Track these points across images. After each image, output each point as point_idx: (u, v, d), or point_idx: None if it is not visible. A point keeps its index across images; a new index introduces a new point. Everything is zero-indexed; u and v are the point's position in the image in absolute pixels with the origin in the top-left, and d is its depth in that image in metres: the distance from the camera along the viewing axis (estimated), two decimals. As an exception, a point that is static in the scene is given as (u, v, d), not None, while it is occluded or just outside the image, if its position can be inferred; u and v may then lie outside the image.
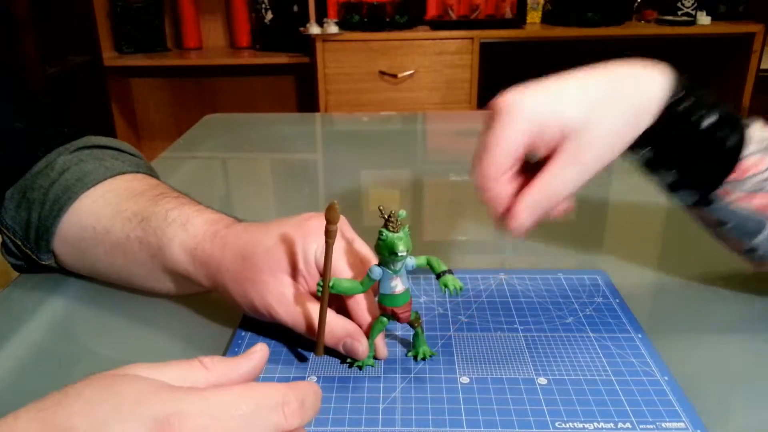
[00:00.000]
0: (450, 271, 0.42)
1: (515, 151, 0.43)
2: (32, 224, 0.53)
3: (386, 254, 0.40)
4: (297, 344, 0.46)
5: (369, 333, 0.44)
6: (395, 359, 0.45)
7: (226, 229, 0.48)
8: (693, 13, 2.26)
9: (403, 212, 0.40)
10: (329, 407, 0.40)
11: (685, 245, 0.65)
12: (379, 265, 0.42)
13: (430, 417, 0.39)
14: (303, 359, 0.45)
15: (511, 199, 0.44)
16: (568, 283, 0.55)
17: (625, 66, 0.46)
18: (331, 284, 0.41)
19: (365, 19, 2.21)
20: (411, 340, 0.45)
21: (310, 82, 2.30)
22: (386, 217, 0.40)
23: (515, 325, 0.49)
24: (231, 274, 0.46)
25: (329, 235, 0.40)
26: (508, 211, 0.44)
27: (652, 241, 0.68)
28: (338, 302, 0.45)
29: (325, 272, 0.41)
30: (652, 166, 0.47)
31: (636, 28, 2.28)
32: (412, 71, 2.20)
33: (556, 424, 0.38)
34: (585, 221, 0.75)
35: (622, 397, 0.40)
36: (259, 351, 0.33)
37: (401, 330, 0.48)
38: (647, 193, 0.82)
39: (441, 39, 2.18)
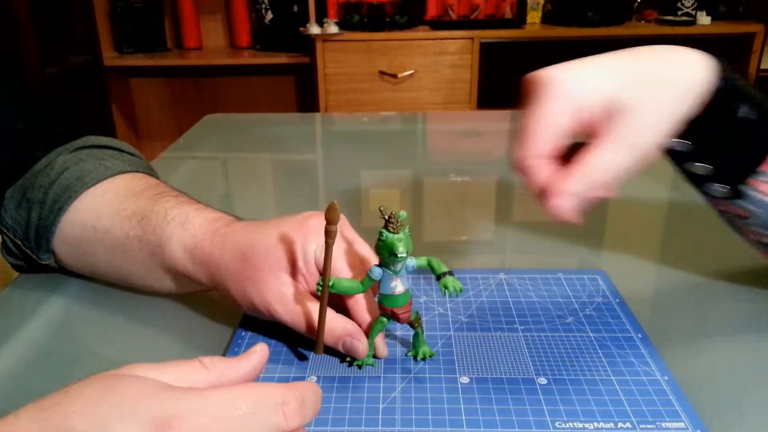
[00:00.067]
0: (450, 273, 0.42)
1: (558, 131, 0.41)
2: (32, 224, 0.53)
3: (386, 255, 0.40)
4: (297, 344, 0.46)
5: (369, 333, 0.44)
6: (395, 359, 0.45)
7: (225, 228, 0.48)
8: (693, 13, 2.26)
9: (403, 213, 0.40)
10: (329, 407, 0.40)
11: (685, 245, 0.65)
12: (380, 265, 0.42)
13: (430, 417, 0.39)
14: (303, 359, 0.45)
15: (553, 180, 0.42)
16: (568, 283, 0.55)
17: (664, 48, 0.44)
18: (331, 284, 0.41)
19: (365, 19, 2.21)
20: (411, 340, 0.45)
21: (310, 82, 2.30)
22: (387, 217, 0.40)
23: (515, 325, 0.49)
24: (230, 273, 0.46)
25: (329, 235, 0.40)
26: (549, 192, 0.42)
27: (652, 241, 0.68)
28: (338, 302, 0.45)
29: (324, 272, 0.41)
30: (685, 157, 0.46)
31: (636, 28, 2.28)
32: (412, 71, 2.20)
33: (556, 424, 0.38)
34: (585, 221, 0.75)
35: (622, 397, 0.40)
36: (259, 351, 0.33)
37: (401, 330, 0.48)
38: (647, 192, 0.82)
39: (441, 39, 2.18)
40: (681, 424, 0.38)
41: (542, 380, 0.42)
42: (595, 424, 0.38)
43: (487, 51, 2.19)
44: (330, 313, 0.43)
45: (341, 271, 0.44)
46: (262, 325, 0.48)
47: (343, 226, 0.47)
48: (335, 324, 0.44)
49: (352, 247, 0.46)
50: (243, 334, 0.48)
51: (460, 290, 0.42)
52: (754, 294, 0.53)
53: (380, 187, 0.89)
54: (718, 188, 0.46)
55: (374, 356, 0.45)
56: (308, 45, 2.26)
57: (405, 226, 0.40)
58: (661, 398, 0.40)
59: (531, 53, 2.35)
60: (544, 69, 0.42)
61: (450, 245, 0.68)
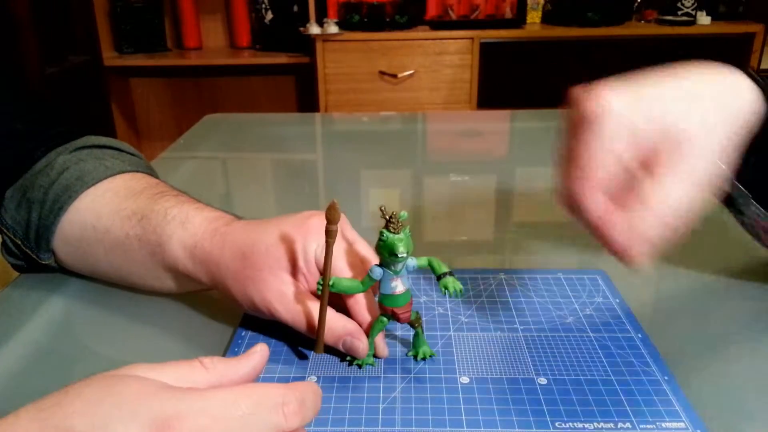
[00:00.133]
0: (451, 273, 0.42)
1: (612, 164, 0.38)
2: (32, 224, 0.53)
3: (387, 255, 0.40)
4: (297, 344, 0.46)
5: (369, 332, 0.44)
6: (395, 359, 0.45)
7: (225, 227, 0.48)
8: (693, 13, 2.26)
9: (404, 213, 0.40)
10: (329, 407, 0.40)
11: (685, 245, 0.65)
12: (380, 265, 0.42)
13: (430, 417, 0.39)
14: (303, 359, 0.45)
15: (610, 216, 0.38)
16: (568, 283, 0.55)
17: (710, 68, 0.42)
18: (331, 283, 0.41)
19: (365, 19, 2.21)
20: (411, 340, 0.45)
21: (310, 82, 2.30)
22: (387, 217, 0.40)
23: (515, 325, 0.49)
24: (231, 272, 0.46)
25: (329, 235, 0.40)
26: (613, 233, 0.38)
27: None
28: (338, 302, 0.45)
29: (325, 271, 0.41)
30: (736, 179, 0.43)
31: (636, 28, 2.28)
32: (412, 71, 2.20)
33: (556, 424, 0.38)
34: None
35: (622, 397, 0.40)
36: (259, 351, 0.33)
37: (401, 330, 0.48)
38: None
39: (441, 39, 2.18)
40: (681, 424, 0.38)
41: (542, 380, 0.42)
42: (595, 424, 0.38)
43: (487, 51, 2.19)
44: (330, 313, 0.43)
45: (341, 270, 0.44)
46: (263, 324, 0.48)
47: (344, 225, 0.47)
48: (335, 323, 0.44)
49: (353, 246, 0.46)
50: (243, 333, 0.48)
51: (461, 291, 0.42)
52: (755, 294, 0.53)
53: (380, 187, 0.89)
54: (757, 209, 0.44)
55: (375, 356, 0.45)
56: (308, 45, 2.26)
57: (405, 227, 0.40)
58: (661, 398, 0.40)
59: (531, 53, 2.35)
60: (594, 90, 0.39)
61: (450, 245, 0.68)
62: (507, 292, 0.54)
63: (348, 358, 0.44)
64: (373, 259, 0.44)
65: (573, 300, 0.52)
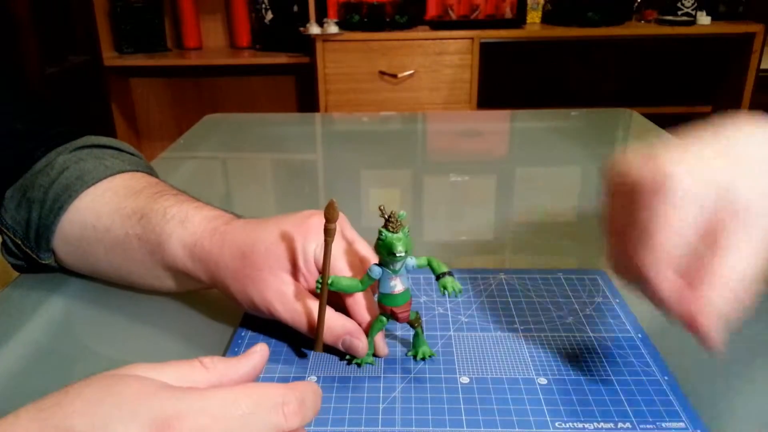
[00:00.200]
0: (450, 273, 0.42)
1: (682, 237, 0.36)
2: (32, 223, 0.53)
3: (385, 254, 0.40)
4: (297, 343, 0.46)
5: (368, 332, 0.44)
6: (395, 359, 0.45)
7: (225, 226, 0.48)
8: (693, 13, 2.26)
9: (403, 213, 0.40)
10: (329, 407, 0.40)
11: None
12: (379, 264, 0.42)
13: (430, 417, 0.39)
14: (303, 359, 0.45)
15: (685, 294, 0.36)
16: (568, 283, 0.55)
17: (756, 126, 0.40)
18: (330, 281, 0.41)
19: (365, 19, 2.21)
20: (411, 340, 0.45)
21: (310, 82, 2.30)
22: (386, 217, 0.40)
23: (515, 325, 0.49)
24: (230, 272, 0.46)
25: (328, 234, 0.40)
26: (689, 313, 0.35)
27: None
28: (338, 301, 0.45)
29: (324, 270, 0.41)
30: None
31: (636, 28, 2.28)
32: (412, 71, 2.20)
33: (556, 424, 0.38)
34: (585, 221, 0.75)
35: (622, 397, 0.40)
36: (259, 351, 0.33)
37: (401, 330, 0.48)
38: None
39: (441, 39, 2.18)
40: (681, 424, 0.38)
41: (542, 380, 0.42)
42: (595, 424, 0.38)
43: (487, 51, 2.19)
44: (330, 312, 0.43)
45: (341, 270, 0.44)
46: (263, 324, 0.48)
47: (344, 225, 0.47)
48: (335, 322, 0.44)
49: (352, 246, 0.46)
50: (243, 333, 0.48)
51: (459, 291, 0.42)
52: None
53: (380, 187, 0.89)
54: None
55: (375, 355, 0.45)
56: (308, 45, 2.26)
57: (404, 226, 0.40)
58: (661, 398, 0.40)
59: (531, 53, 2.36)
60: (652, 157, 0.37)
61: (450, 245, 0.68)
62: (507, 292, 0.54)
63: (347, 356, 0.44)
64: (373, 258, 0.44)
65: (573, 300, 0.52)
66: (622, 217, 0.38)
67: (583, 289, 0.54)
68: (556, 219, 0.76)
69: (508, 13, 2.28)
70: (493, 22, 2.27)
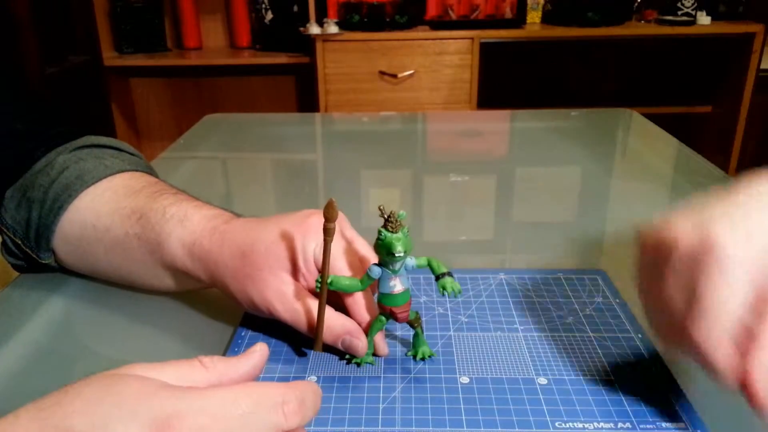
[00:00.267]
0: (449, 274, 0.42)
1: (737, 308, 0.35)
2: (32, 223, 0.53)
3: (384, 254, 0.40)
4: (297, 343, 0.46)
5: (368, 331, 0.44)
6: (395, 359, 0.45)
7: (224, 225, 0.48)
8: (693, 13, 2.26)
9: (403, 213, 0.40)
10: (329, 407, 0.40)
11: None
12: (379, 264, 0.42)
13: (430, 417, 0.39)
14: (303, 359, 0.45)
15: (743, 367, 0.35)
16: (568, 283, 0.55)
17: None
18: (330, 281, 0.41)
19: (365, 19, 2.21)
20: (411, 340, 0.45)
21: (310, 82, 2.30)
22: (386, 217, 0.40)
23: (515, 325, 0.49)
24: (230, 271, 0.46)
25: (327, 233, 0.40)
26: (747, 385, 0.35)
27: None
28: (338, 301, 0.45)
29: (323, 269, 0.41)
30: None
31: (636, 28, 2.28)
32: (412, 71, 2.20)
33: (556, 424, 0.38)
34: (585, 221, 0.75)
35: (622, 397, 0.40)
36: (259, 350, 0.33)
37: (401, 330, 0.48)
38: (647, 193, 0.82)
39: (441, 39, 2.18)
40: (681, 424, 0.38)
41: (542, 380, 0.42)
42: (595, 424, 0.38)
43: (487, 51, 2.19)
44: (329, 311, 0.43)
45: (340, 270, 0.44)
46: (263, 324, 0.48)
47: (343, 225, 0.47)
48: (334, 322, 0.44)
49: (352, 246, 0.46)
50: (243, 333, 0.48)
51: (459, 291, 0.42)
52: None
53: (380, 187, 0.89)
54: None
55: (375, 354, 0.45)
56: (308, 45, 2.26)
57: (404, 226, 0.40)
58: (661, 398, 0.40)
59: (531, 53, 2.36)
60: (700, 223, 0.36)
61: (450, 245, 0.68)
62: (507, 292, 0.54)
63: (347, 356, 0.44)
64: (373, 258, 0.44)
65: (573, 300, 0.52)
66: (664, 282, 0.37)
67: (583, 289, 0.54)
68: (556, 219, 0.76)
69: (508, 13, 2.28)
70: (493, 22, 2.27)
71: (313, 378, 0.43)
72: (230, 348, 0.46)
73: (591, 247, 0.66)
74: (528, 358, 0.45)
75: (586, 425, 0.38)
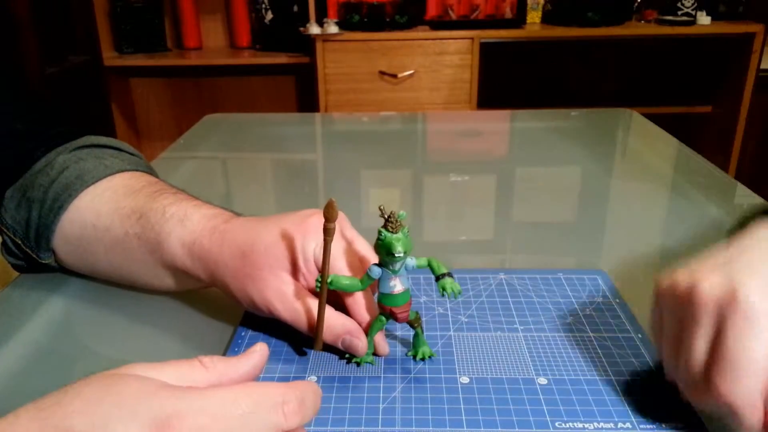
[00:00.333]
0: (450, 274, 0.42)
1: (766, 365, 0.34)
2: (32, 223, 0.53)
3: (384, 255, 0.40)
4: (297, 343, 0.46)
5: (368, 331, 0.44)
6: (395, 359, 0.45)
7: (224, 224, 0.48)
8: (693, 13, 2.26)
9: (403, 213, 0.40)
10: (329, 407, 0.40)
11: (684, 245, 0.65)
12: (379, 264, 0.42)
13: (430, 417, 0.39)
14: (303, 359, 0.45)
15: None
16: (568, 283, 0.55)
17: None
18: (330, 280, 0.41)
19: (365, 19, 2.21)
20: (411, 340, 0.45)
21: (310, 82, 2.30)
22: (386, 217, 0.40)
23: (515, 325, 0.49)
24: (230, 271, 0.46)
25: (327, 233, 0.40)
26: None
27: (652, 241, 0.68)
28: (338, 301, 0.45)
29: (323, 269, 0.41)
30: None
31: (636, 28, 2.28)
32: (412, 71, 2.20)
33: (556, 424, 0.38)
34: (585, 221, 0.75)
35: (622, 397, 0.40)
36: (259, 350, 0.33)
37: (401, 330, 0.48)
38: (647, 193, 0.82)
39: (441, 39, 2.18)
40: (681, 424, 0.38)
41: (542, 380, 0.42)
42: (595, 424, 0.38)
43: (487, 51, 2.19)
44: (330, 311, 0.43)
45: (340, 270, 0.44)
46: (263, 323, 0.48)
47: (343, 225, 0.47)
48: (335, 321, 0.44)
49: (352, 246, 0.46)
50: (243, 333, 0.48)
51: (459, 292, 0.42)
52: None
53: (380, 187, 0.89)
54: None
55: (375, 354, 0.45)
56: (308, 45, 2.26)
57: (404, 226, 0.40)
58: (661, 398, 0.40)
59: (531, 53, 2.36)
60: (724, 281, 0.36)
61: (450, 245, 0.68)
62: (507, 292, 0.54)
63: (347, 355, 0.44)
64: (373, 258, 0.44)
65: (573, 300, 0.52)
66: (686, 333, 0.37)
67: (583, 289, 0.54)
68: (556, 219, 0.76)
69: (508, 13, 2.28)
70: (493, 22, 2.27)
71: (313, 378, 0.43)
72: (230, 348, 0.46)
73: (591, 247, 0.66)
74: (528, 358, 0.45)
75: (586, 425, 0.38)
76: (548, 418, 0.39)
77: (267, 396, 0.29)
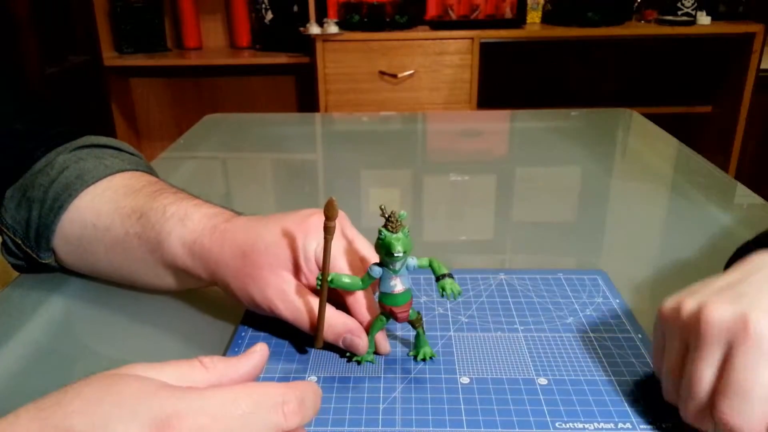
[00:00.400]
0: (450, 275, 0.42)
1: None
2: (32, 223, 0.53)
3: (384, 254, 0.40)
4: (298, 342, 0.46)
5: (369, 330, 0.44)
6: (395, 359, 0.45)
7: (225, 224, 0.48)
8: (693, 13, 2.26)
9: (403, 213, 0.40)
10: (329, 407, 0.40)
11: (684, 245, 0.65)
12: (380, 264, 0.42)
13: (430, 417, 0.39)
14: (304, 358, 0.45)
15: None
16: (568, 283, 0.55)
17: None
18: (330, 279, 0.41)
19: (365, 19, 2.21)
20: (412, 340, 0.45)
21: (310, 82, 2.30)
22: (386, 217, 0.40)
23: (515, 325, 0.49)
24: (231, 270, 0.46)
25: (327, 231, 0.40)
26: None
27: (652, 241, 0.68)
28: (339, 300, 0.45)
29: (324, 268, 0.41)
30: None
31: (636, 28, 2.28)
32: (412, 71, 2.20)
33: (556, 424, 0.38)
34: (585, 221, 0.75)
35: (622, 397, 0.40)
36: (259, 351, 0.33)
37: (402, 330, 0.48)
38: (647, 193, 0.82)
39: (441, 39, 2.18)
40: (681, 425, 0.38)
41: (542, 380, 0.42)
42: (595, 424, 0.38)
43: (487, 51, 2.19)
44: (330, 310, 0.43)
45: (341, 269, 0.45)
46: (263, 322, 0.48)
47: (344, 224, 0.47)
48: (336, 320, 0.44)
49: (353, 245, 0.46)
50: (243, 333, 0.48)
51: (459, 293, 0.42)
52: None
53: (380, 187, 0.89)
54: None
55: (377, 353, 0.45)
56: (308, 45, 2.26)
57: (404, 226, 0.40)
58: (661, 398, 0.40)
59: (531, 53, 2.36)
60: (720, 297, 0.36)
61: (450, 245, 0.68)
62: (507, 292, 0.54)
63: (348, 354, 0.44)
64: (374, 257, 0.44)
65: (573, 300, 0.52)
66: (690, 359, 0.37)
67: (583, 289, 0.54)
68: (556, 219, 0.76)
69: (508, 13, 2.28)
70: (493, 22, 2.27)
71: (314, 378, 0.43)
72: (231, 347, 0.46)
73: (591, 247, 0.66)
74: (528, 358, 0.45)
75: (586, 425, 0.38)
76: (548, 419, 0.39)
77: (267, 396, 0.29)
